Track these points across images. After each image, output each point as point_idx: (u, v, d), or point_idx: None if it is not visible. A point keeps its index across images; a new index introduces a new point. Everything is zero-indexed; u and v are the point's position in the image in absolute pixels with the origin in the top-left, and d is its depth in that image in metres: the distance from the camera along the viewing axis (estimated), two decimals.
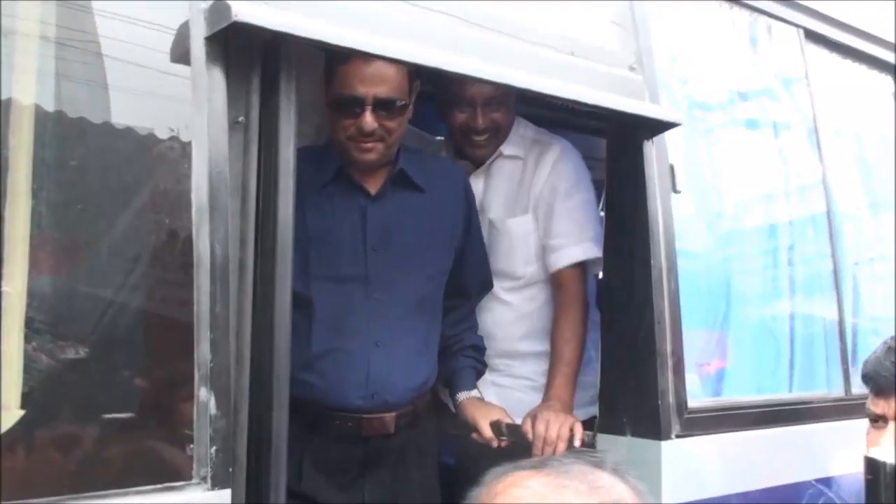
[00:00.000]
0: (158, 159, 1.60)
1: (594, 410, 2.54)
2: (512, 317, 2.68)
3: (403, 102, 2.26)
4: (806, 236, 3.12)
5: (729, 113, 2.99)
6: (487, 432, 2.42)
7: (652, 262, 2.35)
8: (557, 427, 2.37)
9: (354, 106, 2.22)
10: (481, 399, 2.52)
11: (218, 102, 1.64)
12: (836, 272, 3.10)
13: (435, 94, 2.67)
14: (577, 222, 2.64)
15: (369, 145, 2.26)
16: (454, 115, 2.63)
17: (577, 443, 2.35)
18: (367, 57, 2.13)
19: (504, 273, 2.66)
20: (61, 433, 1.41)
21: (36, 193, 1.42)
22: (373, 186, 2.37)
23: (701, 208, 2.73)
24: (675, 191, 2.47)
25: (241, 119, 1.69)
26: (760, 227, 3.00)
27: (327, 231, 2.32)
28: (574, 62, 2.28)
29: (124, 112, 1.58)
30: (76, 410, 1.44)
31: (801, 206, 3.13)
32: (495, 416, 2.45)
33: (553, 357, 2.59)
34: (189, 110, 1.62)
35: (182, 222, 1.58)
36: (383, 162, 2.34)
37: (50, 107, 1.49)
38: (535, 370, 2.67)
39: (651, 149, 2.40)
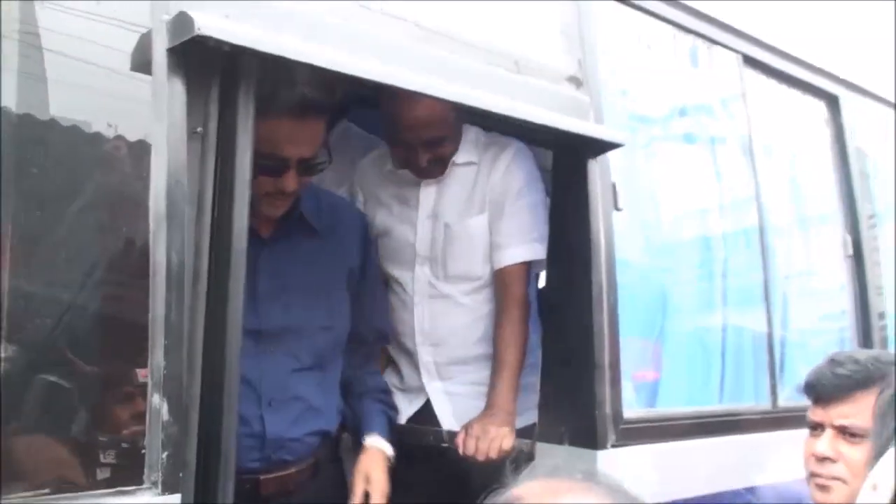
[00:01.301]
0: (118, 165, 1.62)
1: (534, 418, 2.59)
2: (469, 320, 2.67)
3: (325, 160, 2.21)
4: (739, 250, 3.23)
5: (667, 127, 3.09)
6: (356, 496, 2.34)
7: (592, 277, 2.43)
8: (487, 444, 2.42)
9: (278, 166, 2.13)
10: (380, 450, 2.41)
11: (177, 112, 1.67)
12: (766, 285, 3.21)
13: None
14: (524, 222, 2.64)
15: (281, 202, 2.21)
16: (397, 150, 2.63)
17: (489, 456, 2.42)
18: (295, 115, 2.07)
19: (462, 276, 2.66)
20: (13, 437, 1.43)
21: None
22: (265, 229, 2.28)
23: (638, 221, 2.80)
24: (617, 208, 2.55)
25: (199, 129, 1.71)
26: (695, 240, 3.10)
27: None
28: (520, 80, 2.34)
29: (84, 116, 1.60)
30: (27, 414, 1.45)
31: (735, 220, 3.23)
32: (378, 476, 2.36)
33: (495, 361, 2.60)
34: (149, 119, 1.65)
35: (140, 229, 1.60)
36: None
37: (8, 107, 1.50)
38: (487, 375, 2.65)
39: (595, 167, 2.48)
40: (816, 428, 1.85)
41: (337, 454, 2.49)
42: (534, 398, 2.67)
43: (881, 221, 3.96)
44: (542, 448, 2.48)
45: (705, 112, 3.21)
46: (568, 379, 2.45)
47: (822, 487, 1.73)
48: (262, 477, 2.24)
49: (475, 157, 2.68)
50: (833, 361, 1.91)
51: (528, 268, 2.65)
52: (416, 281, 2.68)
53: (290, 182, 2.15)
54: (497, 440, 2.44)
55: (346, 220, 2.46)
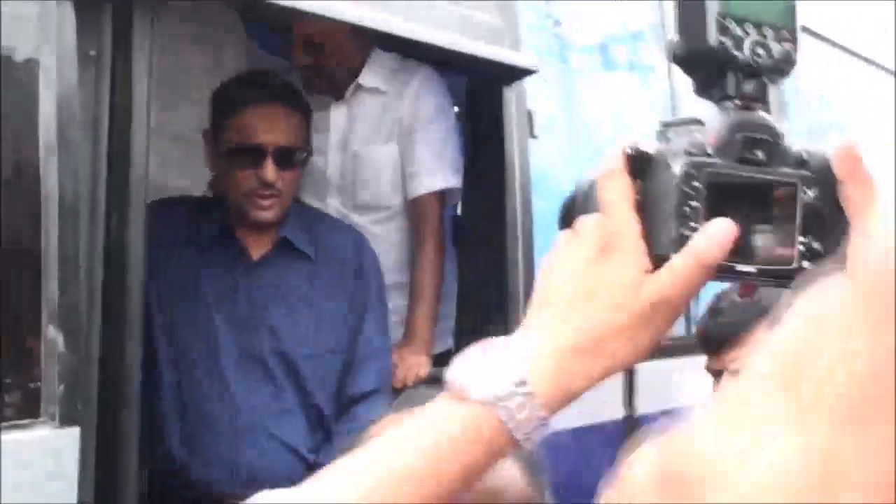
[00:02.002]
0: (2, 90, 1.55)
1: (447, 344, 2.62)
2: (380, 250, 2.55)
3: (305, 153, 2.18)
4: None
5: (599, 55, 3.08)
6: None
7: (507, 205, 2.42)
8: (403, 372, 2.39)
9: (254, 156, 2.08)
10: None
11: (68, 34, 1.60)
12: None
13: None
14: (436, 150, 2.57)
15: (268, 202, 2.11)
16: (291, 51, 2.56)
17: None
18: (267, 100, 2.07)
19: (371, 205, 2.61)
20: None
21: None
22: (256, 251, 2.19)
23: (565, 149, 2.78)
24: (533, 136, 2.54)
25: (92, 52, 1.65)
26: None
27: (201, 298, 2.14)
28: (433, 5, 2.30)
29: None
30: None
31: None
32: None
33: (412, 291, 2.57)
34: (36, 41, 1.58)
35: (30, 157, 1.55)
36: (277, 221, 2.17)
37: None
38: (402, 303, 2.60)
39: (511, 94, 2.46)
40: (717, 376, 1.87)
41: None
42: (448, 325, 2.69)
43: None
44: None
45: (636, 39, 3.20)
46: (484, 307, 2.46)
47: None
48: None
49: (382, 84, 2.60)
50: (714, 310, 1.91)
51: (442, 197, 2.62)
52: (328, 211, 2.64)
53: (270, 172, 2.07)
54: (414, 368, 2.44)
55: (342, 244, 2.32)
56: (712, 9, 0.68)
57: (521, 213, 2.46)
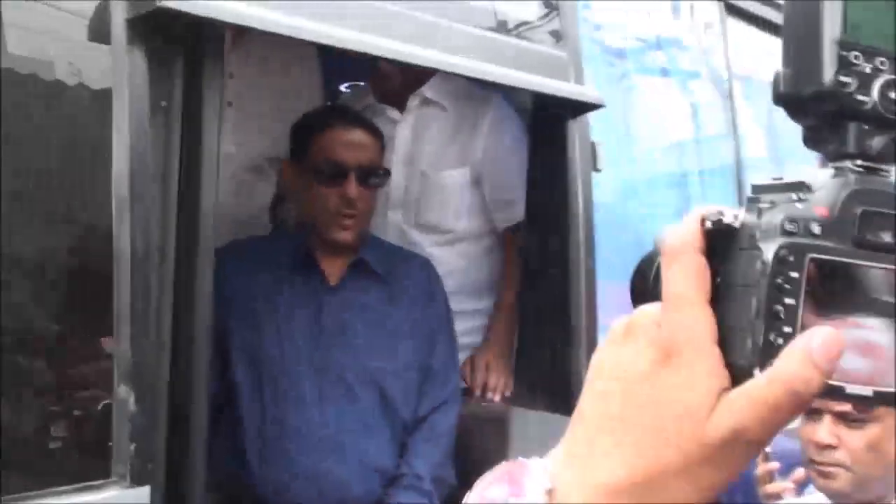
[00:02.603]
0: (78, 146, 1.54)
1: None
2: (440, 272, 2.53)
3: (383, 172, 2.24)
4: (714, 186, 3.21)
5: (641, 61, 3.03)
6: None
7: (570, 241, 2.38)
8: (495, 378, 2.47)
9: (338, 174, 2.16)
10: None
11: (140, 86, 1.59)
12: None
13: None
14: (521, 180, 2.55)
15: (349, 222, 2.17)
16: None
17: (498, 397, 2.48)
18: (347, 124, 2.14)
19: (433, 227, 2.59)
20: None
21: None
22: (333, 275, 2.25)
23: (613, 159, 2.73)
24: (597, 169, 2.49)
25: (163, 103, 1.63)
26: (672, 176, 3.07)
27: (284, 323, 2.19)
28: (497, 39, 2.26)
29: (42, 96, 1.51)
30: None
31: (712, 157, 3.21)
32: None
33: (496, 303, 2.61)
34: (109, 94, 1.57)
35: (103, 213, 1.53)
36: (356, 245, 2.23)
37: None
38: (462, 328, 2.56)
39: (574, 128, 2.41)
40: (813, 413, 1.79)
41: None
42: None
43: None
44: (517, 413, 2.47)
45: (679, 47, 3.15)
46: (544, 344, 2.42)
47: (825, 475, 1.69)
48: None
49: (447, 101, 2.59)
50: None
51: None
52: (388, 226, 2.61)
53: (352, 188, 2.15)
54: (502, 379, 2.52)
55: (414, 270, 2.36)
56: (831, 34, 0.51)
57: (584, 251, 2.42)
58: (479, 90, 2.64)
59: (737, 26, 3.33)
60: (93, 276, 1.56)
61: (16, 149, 1.47)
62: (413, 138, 2.62)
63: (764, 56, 3.52)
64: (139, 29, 1.58)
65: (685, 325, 0.49)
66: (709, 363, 0.49)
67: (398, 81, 2.58)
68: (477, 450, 2.54)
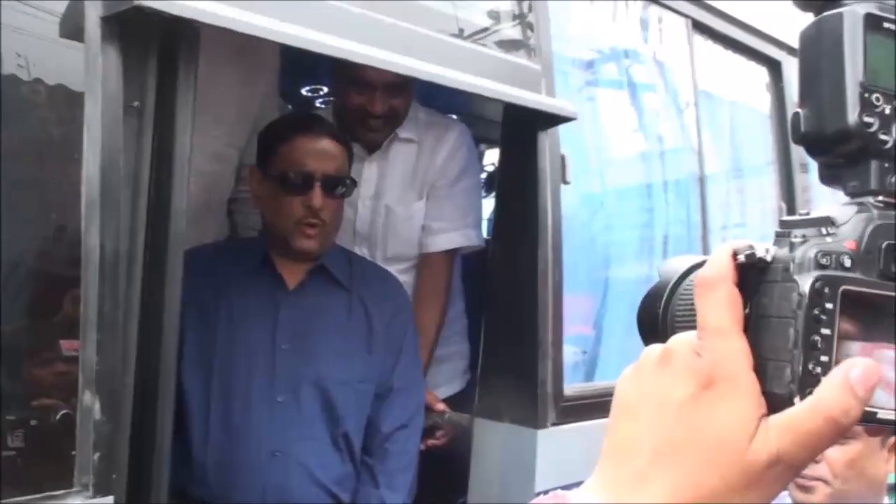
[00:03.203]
0: (47, 146, 1.49)
1: (458, 387, 2.70)
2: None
3: (347, 183, 2.21)
4: (679, 199, 3.23)
5: (602, 72, 3.05)
6: None
7: (539, 254, 2.38)
8: None
9: (302, 183, 2.13)
10: None
11: (113, 85, 1.55)
12: (704, 245, 3.21)
13: (333, 71, 2.60)
14: (460, 207, 2.64)
15: (314, 231, 2.14)
16: (350, 96, 2.53)
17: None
18: (313, 133, 2.12)
19: (399, 257, 2.63)
20: None
21: None
22: (292, 280, 2.21)
23: (578, 172, 2.74)
24: (565, 182, 2.50)
25: (136, 103, 1.59)
26: (635, 189, 3.08)
27: (238, 325, 2.16)
28: (471, 49, 2.26)
29: (12, 96, 1.46)
30: None
31: (675, 170, 3.23)
32: None
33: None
34: (80, 90, 1.52)
35: (71, 215, 1.49)
36: (319, 254, 2.20)
37: None
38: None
39: (544, 140, 2.41)
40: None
41: None
42: (454, 369, 2.74)
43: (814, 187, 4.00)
44: (481, 424, 2.45)
45: (640, 60, 3.17)
46: (509, 356, 2.41)
47: (804, 488, 1.70)
48: None
49: (415, 135, 2.64)
50: None
51: (455, 252, 2.66)
52: None
53: (317, 198, 2.12)
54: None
55: (377, 282, 2.33)
56: (853, 77, 0.54)
57: (552, 263, 2.42)
58: (440, 119, 2.72)
59: (700, 42, 3.36)
60: (59, 279, 1.51)
61: None
62: (379, 175, 2.64)
63: (723, 73, 3.57)
64: (114, 27, 1.54)
65: (724, 353, 0.51)
66: (748, 391, 0.51)
67: (399, 118, 2.57)
68: (440, 461, 2.53)
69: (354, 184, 2.27)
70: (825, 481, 1.69)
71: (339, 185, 2.19)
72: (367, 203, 2.63)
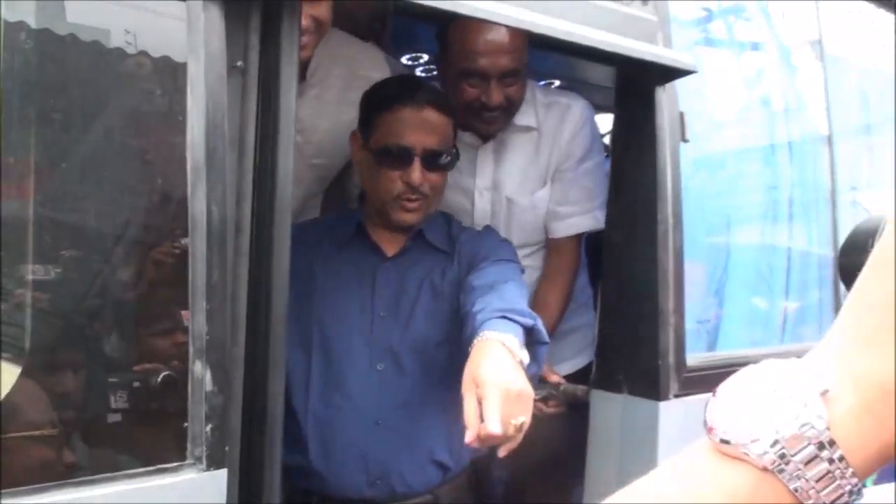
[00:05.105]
0: (150, 111, 1.45)
1: (588, 358, 2.55)
2: (535, 277, 2.58)
3: (450, 157, 2.11)
4: (805, 161, 3.05)
5: (725, 31, 2.88)
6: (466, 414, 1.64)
7: (658, 216, 2.25)
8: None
9: (402, 158, 2.04)
10: (495, 340, 1.71)
11: (215, 45, 1.49)
12: (833, 208, 3.02)
13: (440, 64, 2.53)
14: (587, 190, 2.55)
15: (414, 205, 2.06)
16: (464, 90, 2.42)
17: None
18: (414, 102, 2.02)
19: (522, 244, 2.53)
20: (47, 416, 1.30)
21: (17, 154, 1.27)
22: (390, 248, 2.15)
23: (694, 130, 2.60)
24: (685, 140, 2.36)
25: (239, 63, 1.53)
26: (759, 152, 2.91)
27: (336, 295, 2.11)
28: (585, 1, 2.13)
29: (113, 59, 1.42)
30: (63, 392, 1.32)
31: (800, 129, 3.05)
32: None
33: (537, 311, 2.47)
34: (184, 55, 1.47)
35: (177, 182, 1.44)
36: (419, 225, 2.12)
37: (26, 60, 1.32)
38: None
39: (662, 96, 2.27)
40: None
41: (464, 497, 2.22)
42: (582, 341, 2.64)
43: None
44: (599, 395, 2.35)
45: (761, 15, 2.98)
46: (629, 324, 2.30)
47: None
48: None
49: (534, 121, 2.54)
50: None
51: (582, 234, 2.59)
52: None
53: (416, 174, 2.03)
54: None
55: (480, 237, 2.23)
56: None
57: (672, 226, 2.28)
58: (559, 97, 2.60)
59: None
60: (169, 249, 1.46)
61: (83, 119, 1.38)
62: (496, 164, 2.55)
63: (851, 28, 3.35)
64: None
65: None
66: None
67: (514, 105, 2.48)
68: (554, 436, 2.43)
69: (457, 157, 2.17)
70: None
71: (441, 157, 2.09)
72: (484, 195, 2.55)
